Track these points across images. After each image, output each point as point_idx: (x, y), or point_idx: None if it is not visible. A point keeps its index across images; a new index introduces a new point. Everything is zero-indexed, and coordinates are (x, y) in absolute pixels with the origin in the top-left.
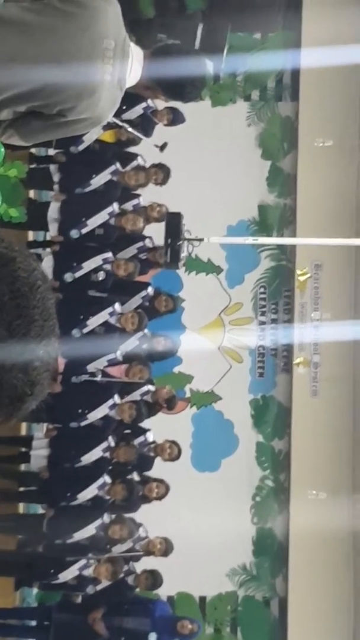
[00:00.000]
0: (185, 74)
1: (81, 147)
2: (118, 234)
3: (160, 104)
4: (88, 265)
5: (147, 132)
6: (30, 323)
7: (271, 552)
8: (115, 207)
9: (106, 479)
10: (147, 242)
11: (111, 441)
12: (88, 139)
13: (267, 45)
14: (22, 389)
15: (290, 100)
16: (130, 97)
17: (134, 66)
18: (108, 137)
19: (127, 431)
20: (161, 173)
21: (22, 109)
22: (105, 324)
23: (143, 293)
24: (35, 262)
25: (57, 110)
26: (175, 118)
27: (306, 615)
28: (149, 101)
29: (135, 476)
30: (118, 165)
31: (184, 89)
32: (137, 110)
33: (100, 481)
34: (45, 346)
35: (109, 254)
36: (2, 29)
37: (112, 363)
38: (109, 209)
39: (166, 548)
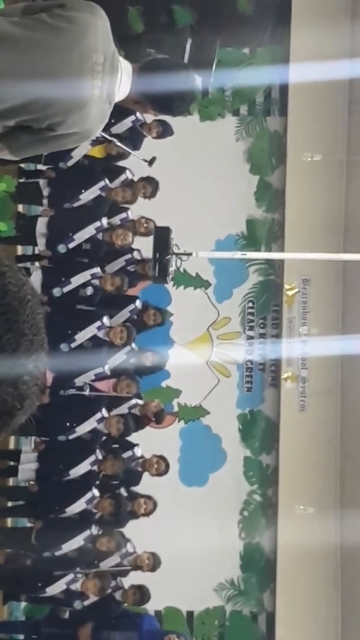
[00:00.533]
0: (174, 88)
1: (70, 163)
2: (107, 249)
3: (149, 116)
4: (76, 280)
5: (136, 145)
6: (20, 337)
7: (259, 567)
8: (103, 222)
9: (94, 492)
10: (135, 255)
11: (99, 454)
12: (77, 155)
13: (255, 60)
14: (12, 403)
15: (278, 115)
16: (119, 110)
17: (123, 80)
18: (97, 152)
19: (115, 445)
20: (149, 187)
21: (11, 124)
22: (94, 337)
23: (131, 307)
24: (25, 276)
25: (46, 124)
26: (164, 131)
27: (294, 630)
28: (138, 114)
29: (123, 491)
30: (107, 181)
31: (173, 102)
32: (126, 123)
33: (88, 495)
34: (35, 360)
35: (97, 269)
36: None
37: (100, 377)
38: (97, 224)
39: (154, 563)
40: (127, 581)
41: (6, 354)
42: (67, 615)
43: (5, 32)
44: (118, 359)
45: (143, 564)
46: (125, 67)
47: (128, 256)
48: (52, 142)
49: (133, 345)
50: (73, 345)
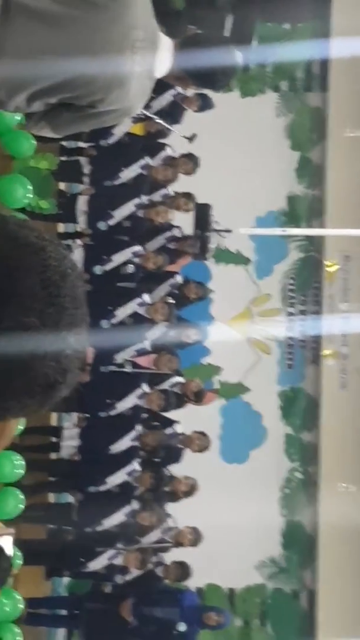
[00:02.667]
0: (215, 62)
1: (111, 140)
2: (147, 226)
3: (189, 90)
4: (117, 258)
5: (177, 119)
6: (62, 311)
7: (300, 544)
8: (143, 199)
9: (135, 466)
10: (176, 232)
11: (140, 431)
12: (118, 132)
13: (296, 36)
14: (54, 377)
15: (319, 90)
16: (160, 85)
17: (163, 56)
18: (138, 129)
19: (156, 423)
20: (190, 163)
21: (53, 101)
22: (134, 314)
23: (171, 281)
24: (66, 250)
25: (87, 101)
26: (205, 104)
27: (335, 608)
28: (178, 88)
29: (164, 470)
30: (148, 159)
31: (214, 77)
32: (167, 98)
33: (129, 467)
34: (77, 334)
35: (139, 247)
36: (32, 21)
37: (141, 353)
38: (136, 201)
39: (196, 538)
40: (169, 557)
41: (48, 328)
42: (109, 589)
43: (45, 10)
44: (158, 332)
45: (185, 539)
46: (165, 43)
47: (168, 234)
48: (94, 119)
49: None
50: (113, 321)
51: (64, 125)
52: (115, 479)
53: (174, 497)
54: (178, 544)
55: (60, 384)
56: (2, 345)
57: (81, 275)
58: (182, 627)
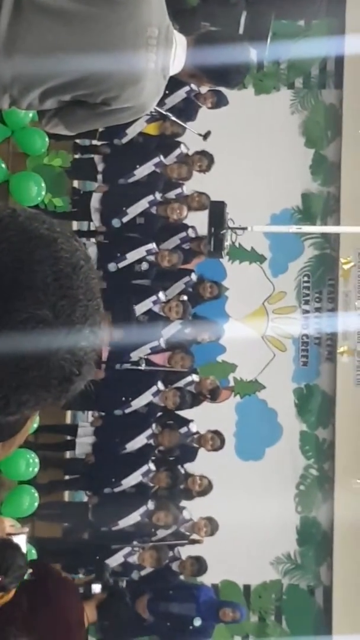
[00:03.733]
0: (229, 59)
1: (125, 140)
2: (161, 224)
3: (203, 87)
4: (132, 256)
5: (191, 116)
6: (75, 303)
7: (315, 541)
8: (156, 195)
9: (150, 466)
10: (190, 232)
11: (155, 429)
12: (132, 132)
13: (310, 32)
14: (70, 369)
15: (334, 87)
16: (173, 82)
17: (177, 53)
18: (152, 129)
19: (171, 422)
20: (204, 160)
21: (66, 98)
22: (149, 312)
23: (186, 278)
24: (78, 242)
25: (101, 99)
26: (219, 100)
27: (351, 604)
28: (192, 85)
29: (179, 469)
30: (161, 157)
31: (229, 74)
32: (180, 94)
33: (144, 468)
34: (91, 326)
35: (153, 245)
36: (45, 18)
37: (155, 351)
38: (150, 197)
39: (212, 528)
40: (185, 552)
41: (61, 320)
42: (124, 585)
43: (58, 7)
44: (172, 329)
45: (200, 530)
46: (179, 40)
47: (183, 234)
48: (107, 117)
49: (188, 318)
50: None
51: (78, 122)
52: (131, 480)
53: (189, 495)
54: (193, 541)
55: (76, 376)
56: (16, 339)
57: (94, 267)
58: (197, 622)
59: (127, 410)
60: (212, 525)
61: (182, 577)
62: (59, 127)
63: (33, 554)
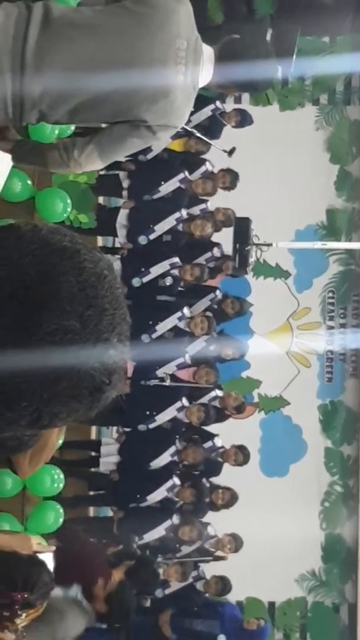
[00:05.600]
0: (255, 66)
1: (150, 156)
2: (186, 240)
3: (228, 105)
4: (156, 270)
5: (215, 134)
6: (102, 312)
7: (340, 558)
8: (183, 213)
9: (175, 480)
10: (215, 252)
11: (179, 445)
12: (157, 148)
13: (335, 49)
14: (100, 378)
15: (359, 103)
16: (199, 99)
17: (205, 65)
18: (177, 146)
19: (195, 436)
20: (229, 177)
21: (96, 117)
22: (174, 328)
23: (211, 295)
24: (100, 253)
25: (133, 115)
26: (244, 119)
27: None
28: (217, 103)
29: (204, 482)
30: (186, 173)
31: (256, 80)
32: (205, 112)
33: (169, 483)
34: (118, 334)
35: (176, 259)
36: (75, 33)
37: (181, 367)
38: (176, 215)
39: (236, 545)
40: (209, 571)
41: (89, 330)
42: (148, 603)
43: (86, 21)
44: (197, 346)
45: (225, 547)
46: (207, 52)
47: (208, 254)
48: (143, 135)
49: (213, 333)
50: (154, 336)
51: (113, 145)
52: (156, 496)
53: (215, 506)
54: (218, 557)
55: (106, 385)
56: (45, 350)
57: (117, 277)
58: (222, 639)
59: (151, 426)
60: (236, 542)
61: (207, 595)
62: (93, 156)
63: None
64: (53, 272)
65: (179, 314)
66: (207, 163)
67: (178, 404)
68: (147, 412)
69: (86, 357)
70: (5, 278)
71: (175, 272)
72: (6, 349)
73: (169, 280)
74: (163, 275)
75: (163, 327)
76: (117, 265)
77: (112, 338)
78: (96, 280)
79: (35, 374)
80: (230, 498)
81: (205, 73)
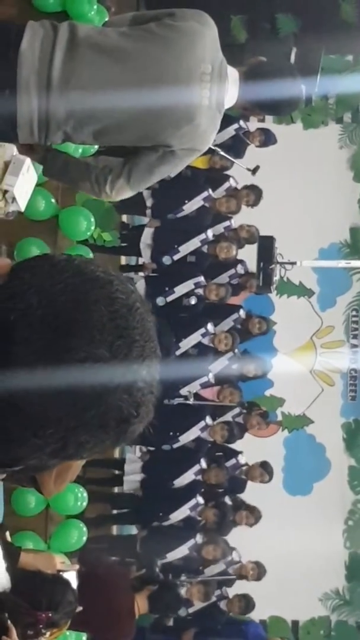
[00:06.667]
0: (281, 89)
1: (173, 174)
2: (210, 262)
3: (252, 124)
4: (180, 289)
5: (239, 154)
6: (131, 344)
7: None
8: (208, 234)
9: (199, 499)
10: (239, 269)
11: (203, 464)
12: None
13: (359, 67)
14: (128, 410)
15: None
16: (222, 119)
17: (230, 88)
18: (200, 163)
19: (219, 453)
20: (253, 195)
21: (122, 141)
22: (199, 344)
23: (235, 315)
24: (133, 285)
25: (158, 140)
26: (267, 139)
27: None
28: (241, 122)
29: (227, 500)
30: (210, 191)
31: (281, 102)
32: (229, 132)
33: (192, 502)
34: (148, 367)
35: (201, 278)
36: (99, 56)
37: (205, 386)
38: (202, 236)
39: (259, 572)
40: (232, 590)
41: (118, 360)
42: (171, 622)
43: (112, 44)
44: (220, 364)
45: (248, 573)
46: (232, 75)
47: (232, 271)
48: (170, 161)
49: (236, 351)
50: (178, 352)
51: (142, 173)
52: (179, 515)
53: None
54: (241, 577)
55: (134, 417)
56: (73, 377)
57: (150, 311)
58: None
59: (175, 445)
60: (259, 570)
61: (230, 614)
62: (124, 189)
63: None
64: (85, 301)
65: (202, 330)
66: (231, 179)
67: (202, 424)
68: (171, 433)
69: (115, 386)
70: (37, 304)
71: (200, 291)
72: (35, 374)
73: (193, 300)
74: (187, 295)
75: (187, 343)
76: (141, 284)
77: (142, 370)
78: (127, 312)
79: (63, 401)
80: (254, 518)
81: (230, 96)
